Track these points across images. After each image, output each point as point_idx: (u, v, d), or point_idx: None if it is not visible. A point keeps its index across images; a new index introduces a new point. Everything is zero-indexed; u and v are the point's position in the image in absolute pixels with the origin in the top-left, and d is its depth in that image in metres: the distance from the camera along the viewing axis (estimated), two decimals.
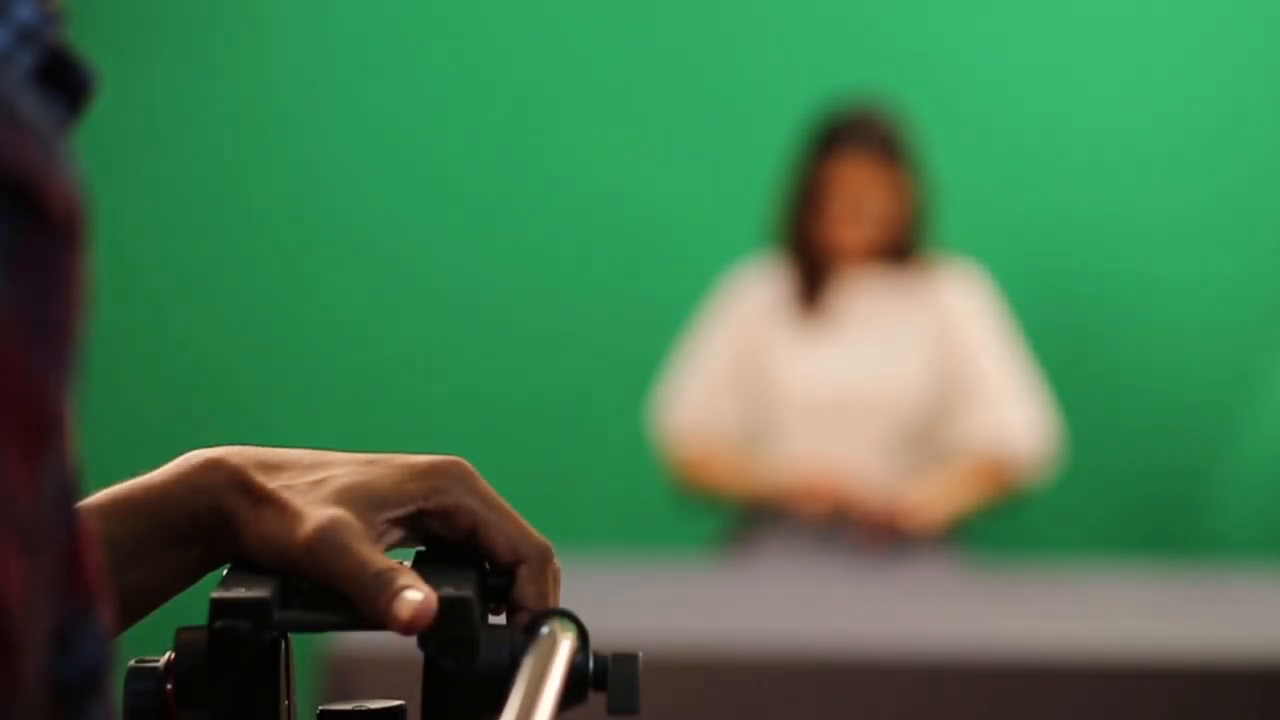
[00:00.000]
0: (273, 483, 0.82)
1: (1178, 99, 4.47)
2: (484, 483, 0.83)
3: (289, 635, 0.79)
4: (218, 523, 0.82)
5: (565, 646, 0.78)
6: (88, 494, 0.83)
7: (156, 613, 0.86)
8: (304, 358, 4.56)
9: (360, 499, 0.81)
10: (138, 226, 4.54)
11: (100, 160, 4.49)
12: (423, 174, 4.56)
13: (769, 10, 4.53)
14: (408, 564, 0.84)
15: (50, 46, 0.57)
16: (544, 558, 0.83)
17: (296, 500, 0.80)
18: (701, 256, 4.34)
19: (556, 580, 0.83)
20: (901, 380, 3.83)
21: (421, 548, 0.86)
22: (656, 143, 4.51)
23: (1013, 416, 3.83)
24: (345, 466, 0.83)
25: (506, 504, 0.83)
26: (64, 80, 0.58)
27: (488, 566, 0.83)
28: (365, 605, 0.78)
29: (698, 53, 4.52)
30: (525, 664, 0.76)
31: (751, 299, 3.89)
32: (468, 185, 4.56)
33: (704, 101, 4.52)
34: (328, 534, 0.79)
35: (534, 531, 0.83)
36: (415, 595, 0.77)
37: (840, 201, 3.81)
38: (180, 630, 0.78)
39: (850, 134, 3.85)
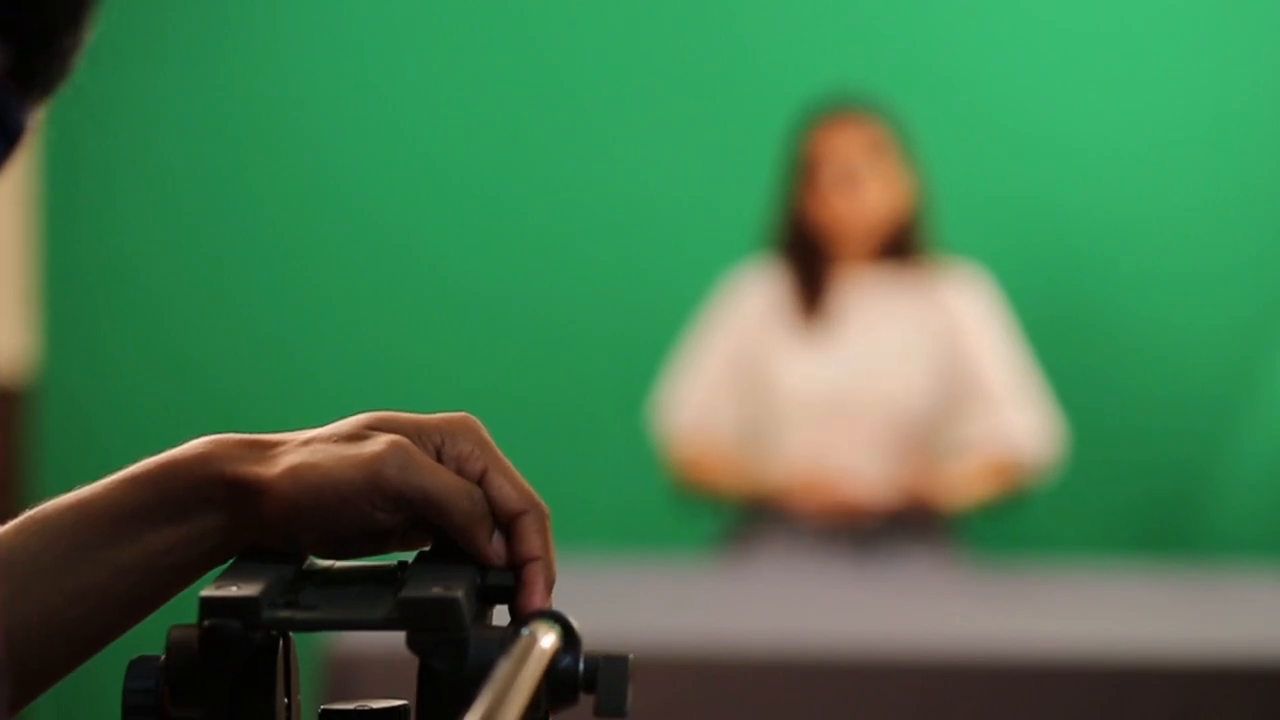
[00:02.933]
0: (291, 439, 0.83)
1: (1175, 97, 4.47)
2: (492, 440, 0.85)
3: (290, 634, 0.79)
4: (231, 490, 0.82)
5: (543, 647, 0.78)
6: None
7: (161, 611, 0.86)
8: (306, 358, 4.56)
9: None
10: (142, 231, 4.55)
11: (106, 163, 4.50)
12: (424, 177, 4.56)
13: (769, 12, 4.52)
14: (409, 561, 0.84)
15: None
16: (545, 513, 0.85)
17: (331, 440, 0.82)
18: (702, 258, 4.34)
19: (549, 537, 0.85)
20: (902, 380, 3.83)
21: (425, 547, 0.86)
22: (657, 146, 4.52)
23: (1017, 420, 3.83)
24: (354, 420, 0.84)
25: (511, 463, 0.85)
26: None
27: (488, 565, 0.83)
28: (463, 530, 0.81)
29: (696, 54, 4.53)
30: (499, 664, 0.75)
31: (751, 300, 3.89)
32: (469, 188, 4.56)
33: (703, 104, 4.52)
34: (400, 451, 0.80)
35: (536, 492, 0.85)
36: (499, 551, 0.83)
37: (832, 168, 3.80)
38: (172, 629, 0.78)
39: (842, 108, 3.87)
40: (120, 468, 0.84)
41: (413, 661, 0.79)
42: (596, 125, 4.54)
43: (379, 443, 0.81)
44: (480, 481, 0.84)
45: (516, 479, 0.84)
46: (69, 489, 0.84)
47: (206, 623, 0.76)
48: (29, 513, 0.83)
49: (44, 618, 0.82)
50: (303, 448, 0.83)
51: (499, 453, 0.85)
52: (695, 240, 4.47)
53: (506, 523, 0.84)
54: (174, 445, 0.85)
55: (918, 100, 4.19)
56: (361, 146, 4.56)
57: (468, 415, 0.85)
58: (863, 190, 3.81)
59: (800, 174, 3.86)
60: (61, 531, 0.82)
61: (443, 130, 4.55)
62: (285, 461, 0.82)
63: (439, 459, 0.83)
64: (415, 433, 0.83)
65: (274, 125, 4.57)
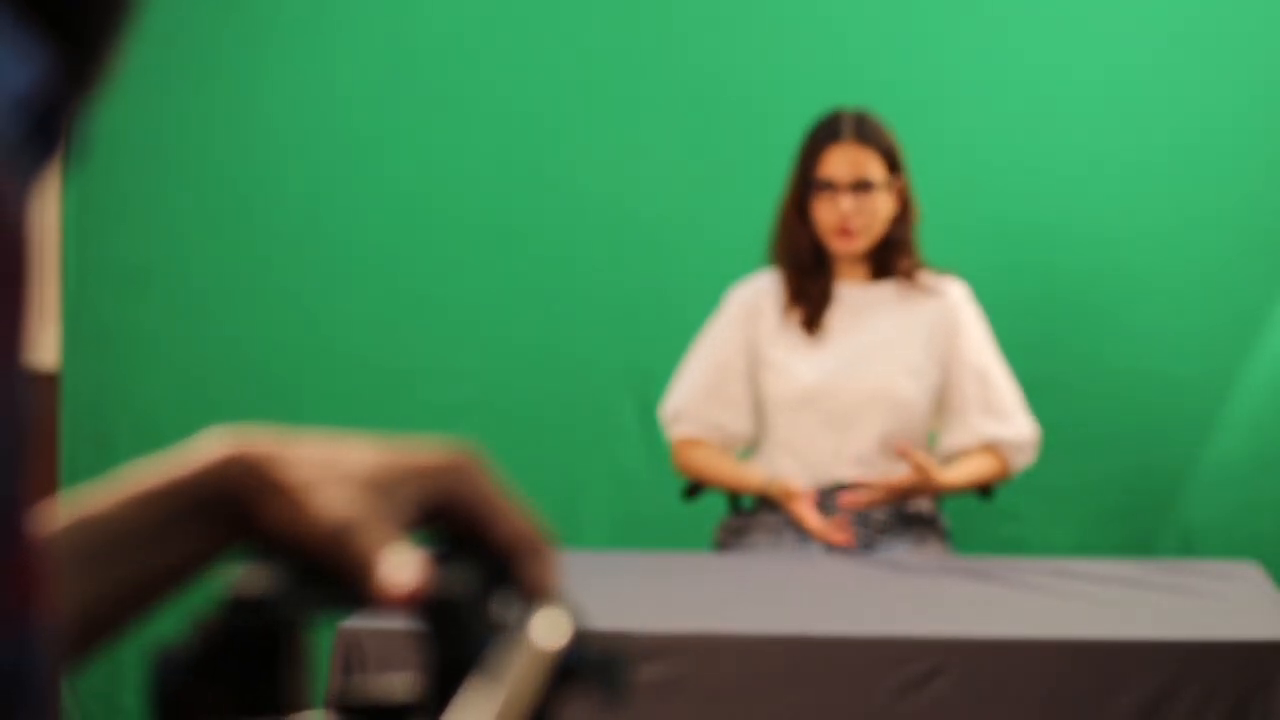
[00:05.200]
0: (290, 475, 0.85)
1: (1155, 109, 4.45)
2: (490, 477, 0.85)
3: (300, 625, 0.82)
4: (236, 510, 0.85)
5: (543, 635, 0.80)
6: (116, 473, 0.86)
7: (182, 606, 0.89)
8: (322, 358, 4.56)
9: (371, 491, 0.84)
10: (152, 231, 4.57)
11: (116, 165, 4.51)
12: (439, 189, 4.56)
13: (771, 26, 4.52)
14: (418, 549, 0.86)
15: (46, 86, 0.58)
16: (542, 550, 0.85)
17: (312, 493, 0.83)
18: (707, 265, 4.35)
19: (549, 571, 0.84)
20: (897, 384, 3.85)
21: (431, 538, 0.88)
22: (669, 158, 4.51)
23: (1008, 421, 3.86)
24: (359, 459, 0.86)
25: (510, 497, 0.85)
26: (46, 122, 0.59)
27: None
28: (358, 589, 0.81)
29: (700, 67, 4.52)
30: (498, 654, 0.77)
31: (752, 307, 3.91)
32: (479, 196, 4.55)
33: (708, 118, 4.52)
34: (341, 529, 0.82)
35: (534, 524, 0.85)
36: (400, 578, 0.80)
37: (836, 182, 3.81)
38: (191, 622, 0.80)
39: (846, 124, 3.86)
40: (124, 448, 0.86)
41: (414, 633, 0.81)
42: (608, 137, 4.53)
43: (341, 508, 0.83)
44: (473, 528, 0.85)
45: (508, 521, 0.84)
46: (84, 463, 0.86)
47: (224, 618, 0.79)
48: (72, 515, 0.86)
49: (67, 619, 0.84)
50: (302, 481, 0.85)
51: (494, 494, 0.85)
52: (702, 248, 4.47)
53: (511, 562, 0.85)
54: (169, 422, 0.87)
55: (903, 113, 4.18)
56: (376, 166, 4.56)
57: (464, 458, 0.85)
58: (864, 203, 3.83)
59: (804, 186, 3.86)
60: (95, 541, 0.85)
61: (455, 141, 4.55)
62: (287, 495, 0.84)
63: (429, 505, 0.85)
64: (399, 482, 0.84)
65: (288, 130, 4.56)
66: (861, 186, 3.81)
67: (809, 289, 3.87)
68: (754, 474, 3.85)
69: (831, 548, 3.78)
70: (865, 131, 3.85)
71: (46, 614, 0.56)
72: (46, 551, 0.58)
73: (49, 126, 0.59)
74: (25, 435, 0.55)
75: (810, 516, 3.74)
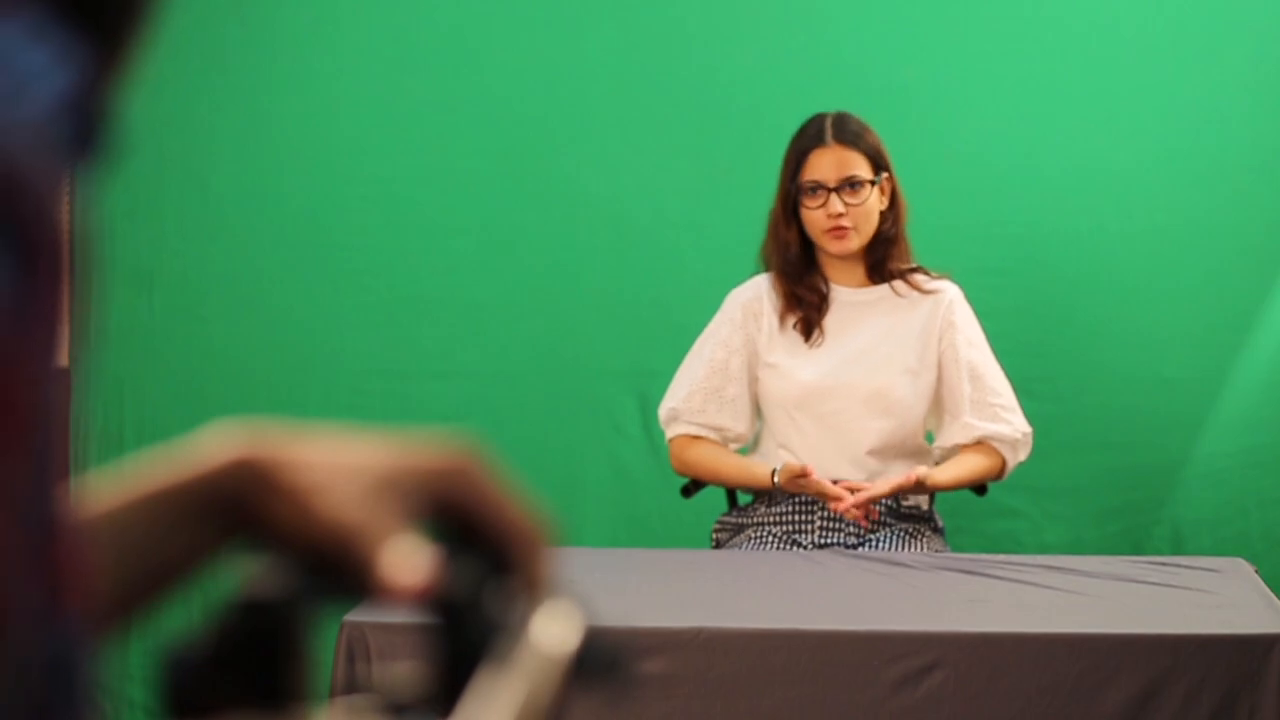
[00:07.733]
0: (297, 479, 0.84)
1: (1146, 111, 4.45)
2: (492, 473, 0.85)
3: (306, 620, 0.81)
4: (243, 512, 0.84)
5: (547, 637, 0.79)
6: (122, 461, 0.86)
7: (188, 603, 0.89)
8: (325, 358, 4.55)
9: (376, 490, 0.84)
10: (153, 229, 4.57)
11: (153, 169, 4.52)
12: (441, 191, 4.55)
13: (770, 29, 4.51)
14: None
15: (84, 87, 0.57)
16: (537, 551, 0.84)
17: (319, 496, 0.83)
18: (709, 265, 4.35)
19: (549, 568, 0.84)
20: (893, 383, 3.85)
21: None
22: (668, 162, 4.51)
23: (1002, 424, 3.86)
24: (363, 459, 0.85)
25: (513, 493, 0.85)
26: (87, 121, 0.58)
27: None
28: (365, 586, 0.81)
29: (701, 69, 4.52)
30: (502, 650, 0.77)
31: (751, 308, 3.91)
32: (480, 198, 4.55)
33: (710, 121, 4.51)
34: (348, 530, 0.82)
35: (538, 520, 0.85)
36: (406, 575, 0.80)
37: (828, 184, 3.81)
38: (199, 619, 0.80)
39: (839, 127, 3.86)
40: (130, 447, 0.86)
41: (420, 627, 0.81)
42: (610, 139, 4.52)
43: (348, 510, 0.83)
44: (479, 518, 0.85)
45: (505, 525, 0.84)
46: (91, 461, 0.86)
47: (238, 617, 0.79)
48: (101, 507, 0.85)
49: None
50: (309, 484, 0.84)
51: (497, 489, 0.84)
52: (703, 250, 4.46)
53: (514, 558, 0.85)
54: (174, 420, 0.87)
55: (896, 119, 4.18)
56: (377, 161, 4.55)
57: (466, 463, 0.85)
58: (854, 201, 3.82)
59: (793, 192, 3.86)
60: (102, 540, 0.85)
61: (457, 144, 4.54)
62: (295, 499, 0.84)
63: (432, 498, 0.84)
64: (403, 480, 0.84)
65: (292, 133, 4.55)
66: (849, 185, 3.81)
67: (804, 295, 3.86)
68: (760, 465, 3.85)
69: (826, 544, 3.79)
70: (847, 133, 3.85)
71: (84, 607, 0.56)
72: (84, 545, 0.58)
73: (86, 127, 0.58)
74: (60, 432, 0.55)
75: (830, 487, 3.74)
